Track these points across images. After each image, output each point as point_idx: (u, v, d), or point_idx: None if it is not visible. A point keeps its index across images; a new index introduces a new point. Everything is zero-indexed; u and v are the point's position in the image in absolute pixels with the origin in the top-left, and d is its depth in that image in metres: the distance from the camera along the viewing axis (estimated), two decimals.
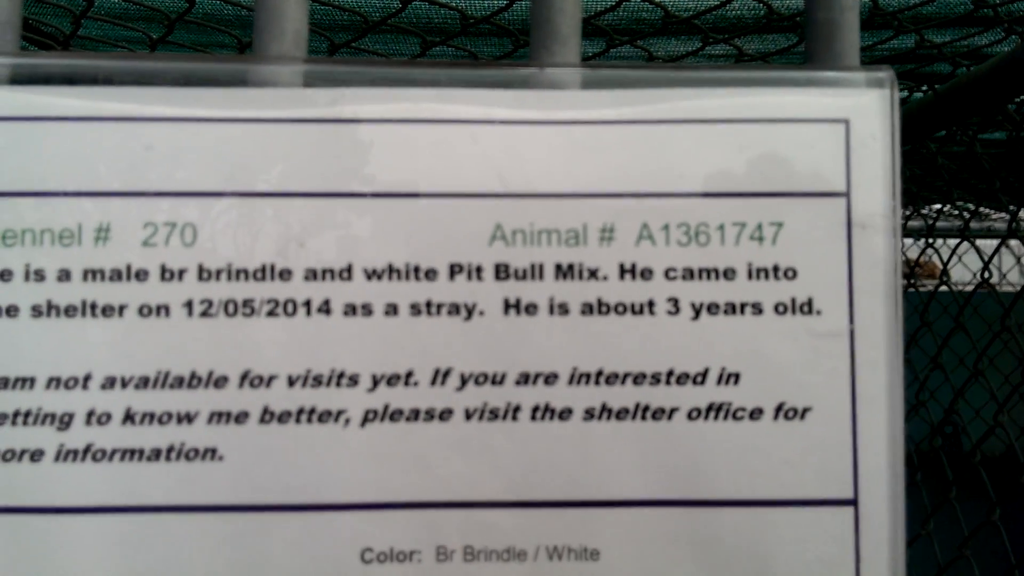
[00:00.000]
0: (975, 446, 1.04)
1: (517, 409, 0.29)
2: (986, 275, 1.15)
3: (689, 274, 0.30)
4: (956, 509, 1.09)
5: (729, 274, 0.30)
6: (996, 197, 1.15)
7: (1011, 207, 1.18)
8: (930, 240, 1.58)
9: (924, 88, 0.97)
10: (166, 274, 0.29)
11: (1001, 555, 1.10)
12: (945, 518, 1.12)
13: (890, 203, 0.30)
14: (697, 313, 0.30)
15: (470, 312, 0.29)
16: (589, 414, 0.29)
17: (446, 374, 0.29)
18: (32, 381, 0.28)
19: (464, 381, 0.29)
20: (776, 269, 0.30)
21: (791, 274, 0.30)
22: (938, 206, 1.55)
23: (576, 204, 0.30)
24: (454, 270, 0.29)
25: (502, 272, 0.29)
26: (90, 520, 0.28)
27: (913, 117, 0.88)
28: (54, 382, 0.29)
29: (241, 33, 0.79)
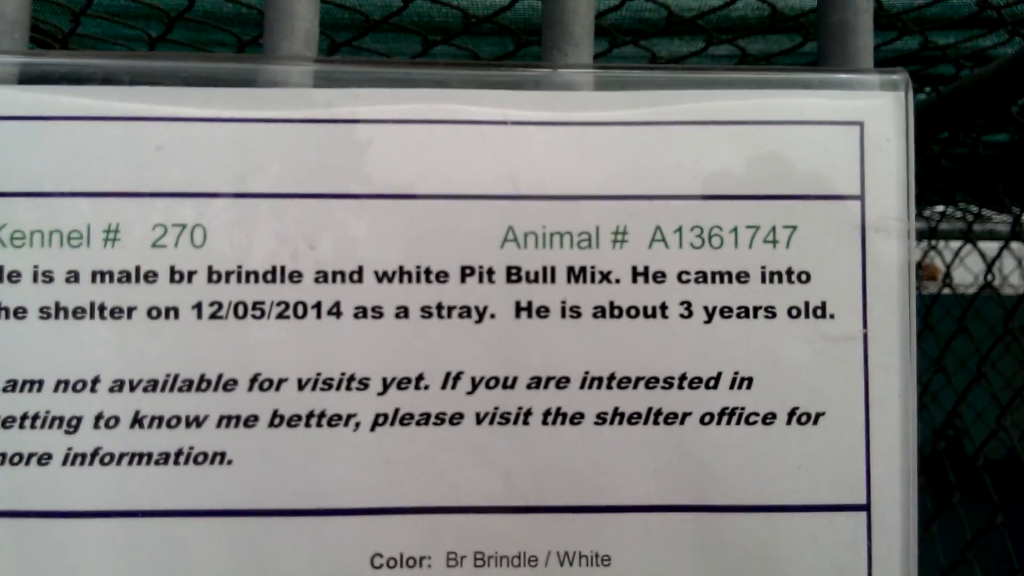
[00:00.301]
0: (977, 449, 1.03)
1: (528, 413, 0.29)
2: (989, 278, 1.15)
3: (702, 277, 0.29)
4: (959, 513, 1.09)
5: (742, 277, 0.29)
6: (999, 199, 1.14)
7: (1014, 209, 1.18)
8: (932, 242, 1.58)
9: (927, 90, 0.96)
10: (175, 276, 0.29)
11: (1003, 559, 1.09)
12: (947, 522, 1.12)
13: (904, 206, 0.30)
14: (710, 316, 0.29)
15: (481, 315, 0.29)
16: (601, 419, 0.29)
17: (457, 377, 0.29)
18: (40, 384, 0.28)
19: (475, 385, 0.29)
20: (790, 272, 0.30)
21: (805, 277, 0.30)
22: (941, 208, 1.55)
23: (588, 206, 0.30)
24: (465, 273, 0.29)
25: (514, 275, 0.29)
26: (97, 524, 0.28)
27: (916, 118, 0.88)
28: (62, 385, 0.28)
29: (241, 31, 0.79)
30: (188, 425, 0.28)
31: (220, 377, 0.29)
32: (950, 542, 1.12)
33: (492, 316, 0.29)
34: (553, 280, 0.29)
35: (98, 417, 0.28)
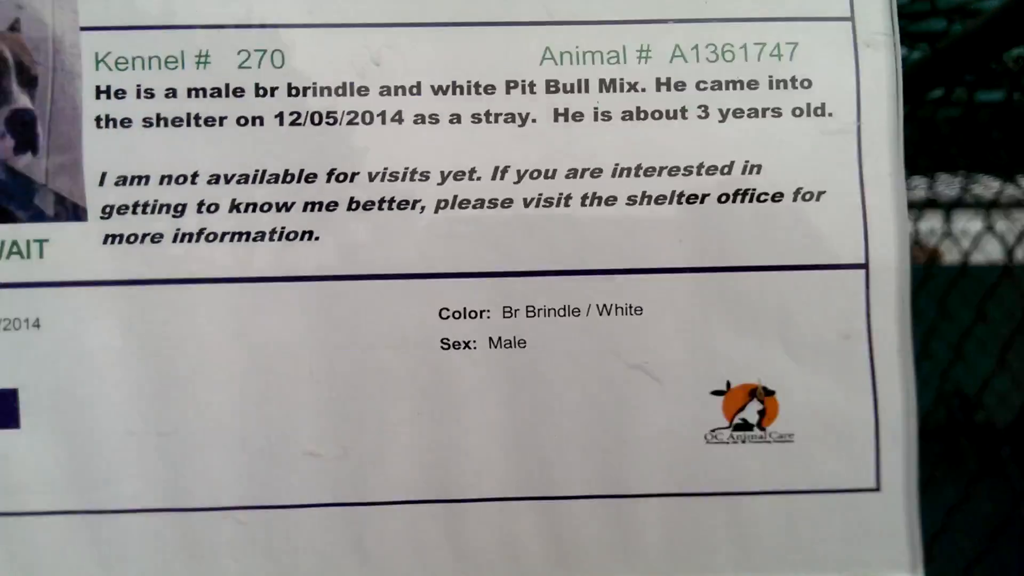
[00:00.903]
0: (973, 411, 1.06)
1: (568, 197, 0.34)
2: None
3: (717, 85, 0.34)
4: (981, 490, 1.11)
5: (752, 85, 0.34)
6: (996, 156, 1.18)
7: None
8: (945, 227, 1.61)
9: (920, 46, 1.01)
10: (259, 91, 0.33)
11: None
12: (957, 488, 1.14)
13: (889, 25, 0.34)
14: (724, 116, 0.34)
15: (524, 120, 0.34)
16: (631, 200, 0.34)
17: (504, 170, 0.33)
18: (147, 179, 0.33)
19: (520, 176, 0.34)
20: (794, 80, 0.34)
21: (807, 84, 0.34)
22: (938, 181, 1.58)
23: (616, 29, 0.34)
24: (509, 86, 0.34)
25: (552, 87, 0.34)
26: (207, 290, 0.33)
27: (909, 77, 0.92)
28: (166, 179, 0.33)
29: None
30: (279, 210, 0.33)
31: (302, 172, 0.33)
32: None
33: (533, 121, 0.34)
34: (587, 90, 0.34)
35: (200, 204, 0.33)
